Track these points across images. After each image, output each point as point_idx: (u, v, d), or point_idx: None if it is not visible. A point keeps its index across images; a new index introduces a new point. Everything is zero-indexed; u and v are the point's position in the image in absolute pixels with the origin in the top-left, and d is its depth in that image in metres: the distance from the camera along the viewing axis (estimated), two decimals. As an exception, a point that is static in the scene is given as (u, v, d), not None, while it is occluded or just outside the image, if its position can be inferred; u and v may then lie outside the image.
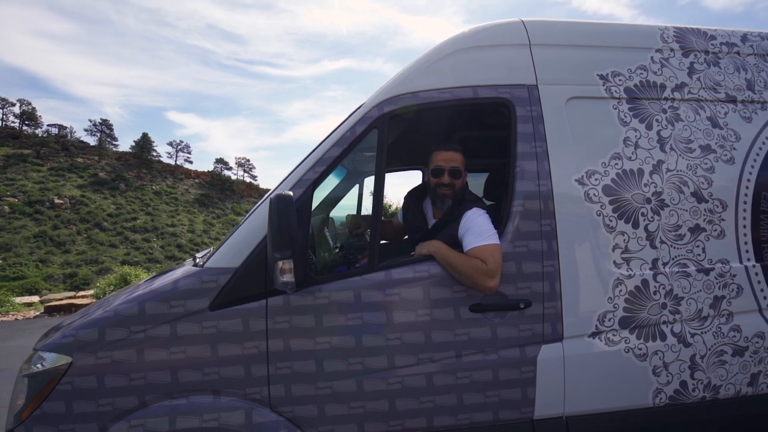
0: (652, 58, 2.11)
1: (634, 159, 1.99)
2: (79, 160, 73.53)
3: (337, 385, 1.68)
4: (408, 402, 1.72)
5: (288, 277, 1.48)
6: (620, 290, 1.88)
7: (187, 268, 1.81)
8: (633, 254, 1.92)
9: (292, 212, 1.51)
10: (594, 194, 1.92)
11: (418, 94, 1.89)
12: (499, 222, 1.87)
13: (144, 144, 78.59)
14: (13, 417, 1.62)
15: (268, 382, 1.64)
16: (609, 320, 1.86)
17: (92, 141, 78.56)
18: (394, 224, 2.70)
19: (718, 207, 2.02)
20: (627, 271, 1.90)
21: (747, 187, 2.06)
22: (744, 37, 2.24)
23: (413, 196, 2.29)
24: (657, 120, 2.04)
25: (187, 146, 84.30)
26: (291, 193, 1.58)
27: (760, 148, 2.10)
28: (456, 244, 1.84)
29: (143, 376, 1.60)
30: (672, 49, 2.14)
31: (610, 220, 1.92)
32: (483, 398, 1.76)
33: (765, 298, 2.01)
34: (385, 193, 3.17)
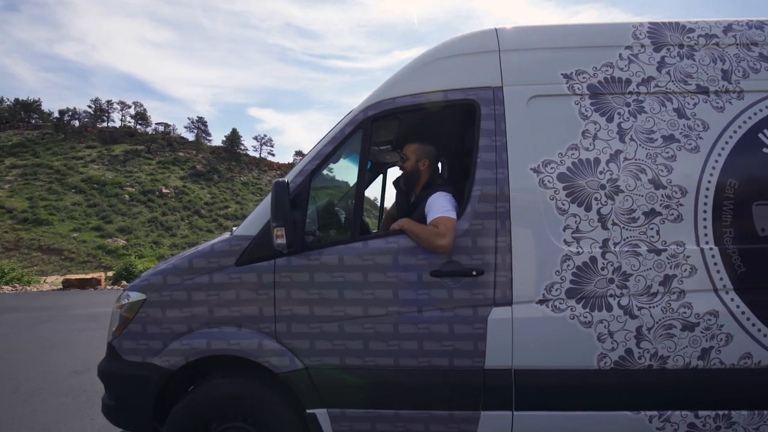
0: (620, 55, 2.35)
1: (592, 149, 2.27)
2: (180, 154, 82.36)
3: (324, 326, 2.24)
4: (378, 344, 2.22)
5: (280, 240, 2.06)
6: (568, 265, 2.20)
7: (224, 236, 2.49)
8: (583, 234, 2.22)
9: (287, 194, 2.08)
10: (548, 181, 2.25)
11: (396, 99, 2.36)
12: (461, 204, 2.29)
13: (233, 139, 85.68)
14: (111, 334, 2.42)
15: (275, 321, 2.25)
16: (556, 290, 2.20)
17: (190, 137, 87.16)
18: (391, 213, 3.20)
19: (677, 193, 2.22)
20: (576, 248, 2.21)
21: (711, 174, 2.23)
22: (728, 28, 2.36)
23: (397, 184, 2.80)
24: (619, 113, 2.29)
25: (270, 140, 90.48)
26: (286, 179, 2.16)
27: (731, 137, 2.25)
28: (425, 221, 2.30)
29: (191, 310, 2.30)
30: (643, 45, 2.35)
31: (563, 204, 2.23)
32: (440, 346, 2.21)
33: (721, 279, 2.19)
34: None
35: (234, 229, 2.54)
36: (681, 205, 2.21)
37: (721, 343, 2.16)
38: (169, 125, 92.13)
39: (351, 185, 3.09)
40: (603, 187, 2.23)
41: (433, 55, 2.42)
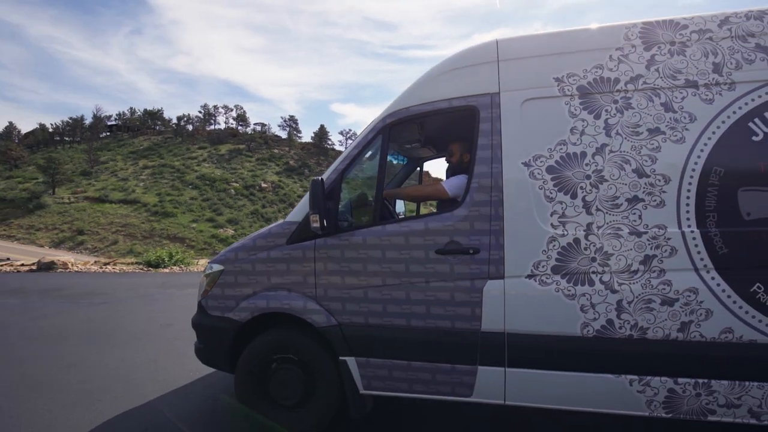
0: (610, 56, 2.56)
1: (579, 144, 2.53)
2: (275, 151, 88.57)
3: (352, 292, 2.80)
4: (394, 307, 2.73)
5: (315, 224, 2.65)
6: (553, 245, 2.51)
7: (278, 222, 3.15)
8: (569, 219, 2.51)
9: (320, 189, 2.66)
10: (538, 173, 2.57)
11: (410, 108, 2.82)
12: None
13: (321, 134, 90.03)
14: (200, 295, 3.23)
15: (315, 287, 2.87)
16: (542, 267, 2.52)
17: (283, 134, 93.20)
18: None
19: (660, 181, 2.42)
20: (562, 231, 2.51)
21: (696, 163, 2.38)
22: (724, 21, 2.46)
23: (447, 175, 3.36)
24: (606, 110, 2.53)
25: (354, 134, 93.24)
26: (322, 177, 2.74)
27: (718, 127, 2.38)
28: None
29: (254, 278, 3.00)
30: (633, 45, 2.54)
31: (551, 193, 2.54)
32: (443, 311, 2.66)
33: (702, 259, 2.36)
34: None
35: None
36: (664, 192, 2.40)
37: (701, 317, 2.34)
38: (265, 125, 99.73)
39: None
40: (588, 177, 2.50)
41: (441, 69, 2.83)
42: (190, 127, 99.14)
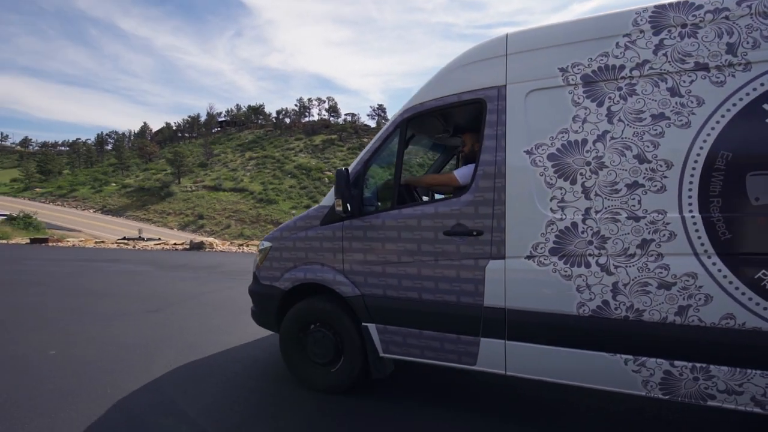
0: (617, 43, 2.55)
1: (580, 132, 2.58)
2: (365, 140, 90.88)
3: (372, 267, 3.16)
4: (407, 282, 3.04)
5: (338, 208, 3.04)
6: (551, 228, 2.61)
7: (316, 205, 3.60)
8: (568, 204, 2.59)
9: (343, 178, 3.04)
10: (539, 161, 2.67)
11: (424, 104, 3.06)
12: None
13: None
14: (255, 266, 3.82)
15: (343, 262, 3.28)
16: (541, 248, 2.64)
17: (372, 123, 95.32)
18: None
19: (661, 166, 2.40)
20: (560, 215, 2.60)
21: (701, 148, 2.33)
22: None
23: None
24: (610, 97, 2.54)
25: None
26: (346, 168, 3.11)
27: (728, 110, 2.29)
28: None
29: (295, 253, 3.50)
30: (642, 31, 2.50)
31: (551, 179, 2.64)
32: (450, 287, 2.90)
33: (702, 244, 2.31)
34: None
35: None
36: (665, 177, 2.39)
37: (699, 302, 2.31)
38: (355, 115, 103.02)
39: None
40: (588, 163, 2.55)
41: (454, 65, 3.02)
42: (287, 120, 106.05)
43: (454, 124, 3.88)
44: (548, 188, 2.64)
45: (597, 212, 2.53)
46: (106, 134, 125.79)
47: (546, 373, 2.72)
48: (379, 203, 3.44)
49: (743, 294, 2.23)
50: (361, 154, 3.30)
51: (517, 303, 2.72)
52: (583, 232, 2.55)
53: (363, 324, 3.22)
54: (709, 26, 2.36)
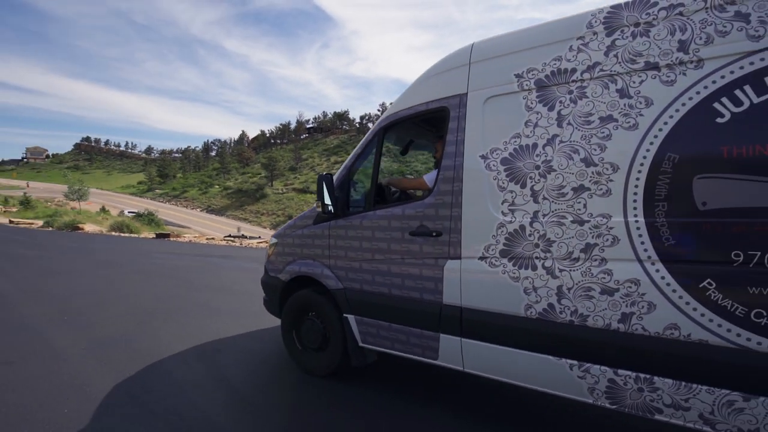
0: (570, 47, 2.51)
1: (531, 136, 2.58)
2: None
3: (351, 263, 3.39)
4: (379, 278, 3.22)
5: (319, 209, 3.33)
6: (501, 231, 2.64)
7: (313, 206, 3.91)
8: (518, 207, 2.60)
9: (323, 182, 3.31)
10: (493, 165, 2.71)
11: (398, 113, 3.23)
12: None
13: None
14: (266, 258, 4.24)
15: (329, 257, 3.55)
16: (492, 250, 2.67)
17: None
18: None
19: (607, 170, 2.32)
20: (510, 218, 2.62)
21: (648, 150, 2.22)
22: None
23: None
24: (561, 101, 2.51)
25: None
26: (328, 173, 3.38)
27: (677, 110, 2.17)
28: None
29: (294, 249, 3.85)
30: (595, 33, 2.44)
31: (503, 183, 2.66)
32: (414, 284, 3.03)
33: (646, 250, 2.20)
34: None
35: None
36: (611, 180, 2.32)
37: (643, 310, 2.21)
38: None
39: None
40: (537, 167, 2.55)
41: (425, 76, 3.15)
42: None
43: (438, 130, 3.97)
44: (500, 192, 2.67)
45: (544, 215, 2.51)
46: (211, 142, 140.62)
47: (499, 373, 2.74)
48: (365, 204, 3.66)
49: (687, 304, 2.10)
50: (347, 160, 3.55)
51: (472, 302, 2.78)
52: (530, 235, 2.55)
53: (344, 315, 3.47)
54: (662, 24, 2.25)
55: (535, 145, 2.56)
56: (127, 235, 21.00)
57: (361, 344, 3.41)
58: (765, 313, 1.93)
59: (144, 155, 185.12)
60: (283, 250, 3.97)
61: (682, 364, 2.13)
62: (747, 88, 2.00)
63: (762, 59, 1.98)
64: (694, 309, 2.08)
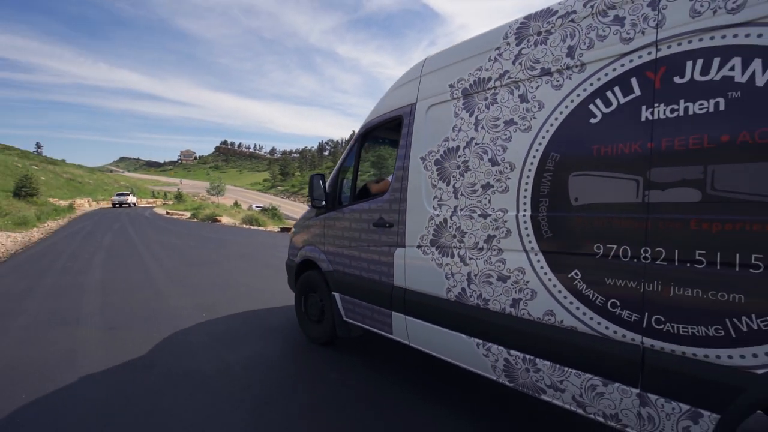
0: (489, 57, 2.75)
1: (456, 139, 2.87)
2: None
3: (337, 249, 3.97)
4: (354, 262, 3.74)
5: (310, 205, 3.95)
6: (431, 223, 2.97)
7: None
8: (444, 202, 2.92)
9: (318, 180, 3.94)
10: (429, 165, 3.05)
11: (371, 121, 3.70)
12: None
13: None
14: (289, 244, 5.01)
15: (324, 244, 4.17)
16: (425, 240, 3.02)
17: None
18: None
19: (507, 168, 2.55)
20: (438, 212, 2.94)
21: (537, 150, 2.41)
22: None
23: None
24: (478, 108, 2.76)
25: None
26: (318, 174, 3.99)
27: (561, 112, 2.33)
28: None
29: (303, 237, 4.56)
30: (508, 43, 2.66)
31: (435, 181, 2.99)
32: (376, 267, 3.49)
33: (530, 242, 2.39)
34: None
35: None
36: (509, 178, 2.55)
37: (527, 297, 2.42)
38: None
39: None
40: (458, 167, 2.85)
41: (390, 88, 3.58)
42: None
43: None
44: (432, 189, 3.01)
45: (461, 210, 2.80)
46: (325, 142, 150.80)
47: (432, 348, 3.09)
48: (349, 200, 4.20)
49: (560, 292, 2.27)
50: (339, 161, 4.13)
51: (412, 284, 3.17)
52: (450, 227, 2.85)
53: (332, 293, 4.06)
54: (558, 31, 2.40)
55: (458, 147, 2.85)
56: (255, 227, 23.05)
57: (345, 319, 3.98)
58: (619, 303, 2.04)
59: (268, 156, 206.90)
60: (298, 237, 4.70)
61: (557, 348, 2.30)
62: (616, 89, 2.11)
63: (631, 60, 2.07)
64: (565, 297, 2.24)
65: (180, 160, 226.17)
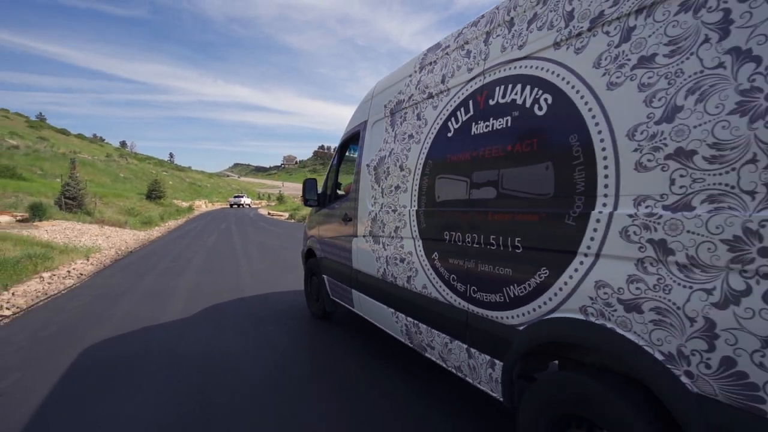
0: (405, 83, 3.42)
1: (384, 150, 3.57)
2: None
3: (323, 239, 4.85)
4: (332, 249, 4.59)
5: (302, 202, 4.89)
6: (369, 217, 3.71)
7: None
8: (376, 201, 3.63)
9: (311, 184, 4.88)
10: (370, 171, 3.78)
11: (346, 134, 4.52)
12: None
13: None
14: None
15: (318, 235, 5.09)
16: (366, 231, 3.76)
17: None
18: None
19: (407, 173, 3.21)
20: (372, 208, 3.67)
21: (422, 158, 3.05)
22: (459, 34, 2.89)
23: None
24: (397, 124, 3.44)
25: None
26: (312, 178, 4.91)
27: (435, 128, 2.95)
28: None
29: (308, 229, 5.52)
30: (416, 71, 3.30)
31: (373, 183, 3.72)
32: (344, 253, 4.29)
33: (414, 230, 3.04)
34: None
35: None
36: (408, 181, 3.21)
37: (414, 274, 3.07)
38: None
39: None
40: (384, 172, 3.55)
41: (356, 109, 4.36)
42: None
43: None
44: (371, 190, 3.74)
45: (383, 206, 3.50)
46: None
47: (371, 317, 3.82)
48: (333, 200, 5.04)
49: (428, 270, 2.88)
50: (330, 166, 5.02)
51: (359, 266, 3.93)
52: (378, 220, 3.56)
53: (322, 275, 4.96)
54: (440, 62, 3.01)
55: (385, 156, 3.55)
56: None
57: (331, 297, 4.85)
58: (455, 278, 2.62)
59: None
60: (307, 230, 5.69)
61: (428, 314, 2.91)
62: (462, 109, 2.68)
63: (471, 86, 2.64)
64: (432, 274, 2.85)
65: (283, 164, 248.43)
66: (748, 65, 1.31)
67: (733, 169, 1.33)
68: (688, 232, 1.43)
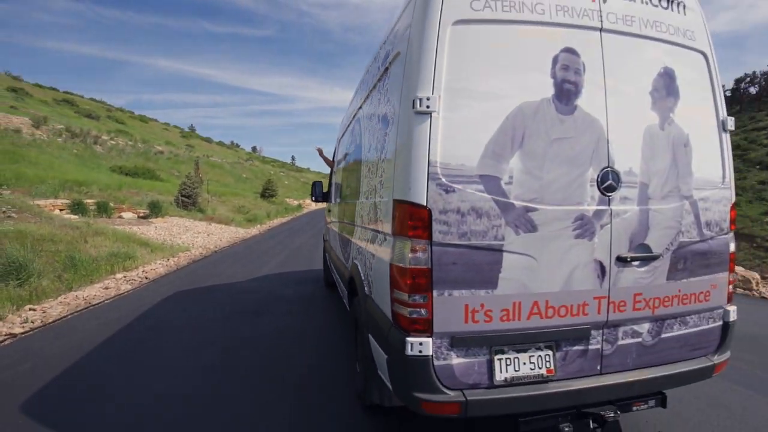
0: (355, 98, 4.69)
1: (346, 156, 4.88)
2: None
3: (330, 231, 6.33)
4: (334, 243, 6.03)
5: (310, 199, 6.44)
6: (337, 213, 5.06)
7: None
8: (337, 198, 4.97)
9: (318, 185, 6.46)
10: (340, 172, 5.12)
11: (338, 137, 5.93)
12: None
13: None
14: None
15: (328, 225, 6.59)
16: (334, 225, 5.13)
17: None
18: None
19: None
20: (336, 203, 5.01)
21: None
22: (380, 57, 4.10)
23: None
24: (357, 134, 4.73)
25: None
26: (318, 180, 6.48)
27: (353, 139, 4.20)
28: None
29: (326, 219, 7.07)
30: (357, 90, 4.55)
31: (339, 183, 5.05)
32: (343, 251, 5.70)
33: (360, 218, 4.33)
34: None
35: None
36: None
37: (346, 252, 4.37)
38: None
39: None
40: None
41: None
42: (752, 90, 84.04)
43: None
44: (338, 189, 5.10)
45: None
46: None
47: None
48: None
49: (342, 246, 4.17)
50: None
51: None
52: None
53: (325, 254, 6.47)
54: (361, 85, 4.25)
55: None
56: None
57: (331, 272, 6.30)
58: (350, 255, 3.87)
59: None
60: (326, 218, 7.23)
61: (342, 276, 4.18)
62: (354, 130, 3.93)
63: (357, 113, 3.87)
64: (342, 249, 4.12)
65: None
66: None
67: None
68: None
